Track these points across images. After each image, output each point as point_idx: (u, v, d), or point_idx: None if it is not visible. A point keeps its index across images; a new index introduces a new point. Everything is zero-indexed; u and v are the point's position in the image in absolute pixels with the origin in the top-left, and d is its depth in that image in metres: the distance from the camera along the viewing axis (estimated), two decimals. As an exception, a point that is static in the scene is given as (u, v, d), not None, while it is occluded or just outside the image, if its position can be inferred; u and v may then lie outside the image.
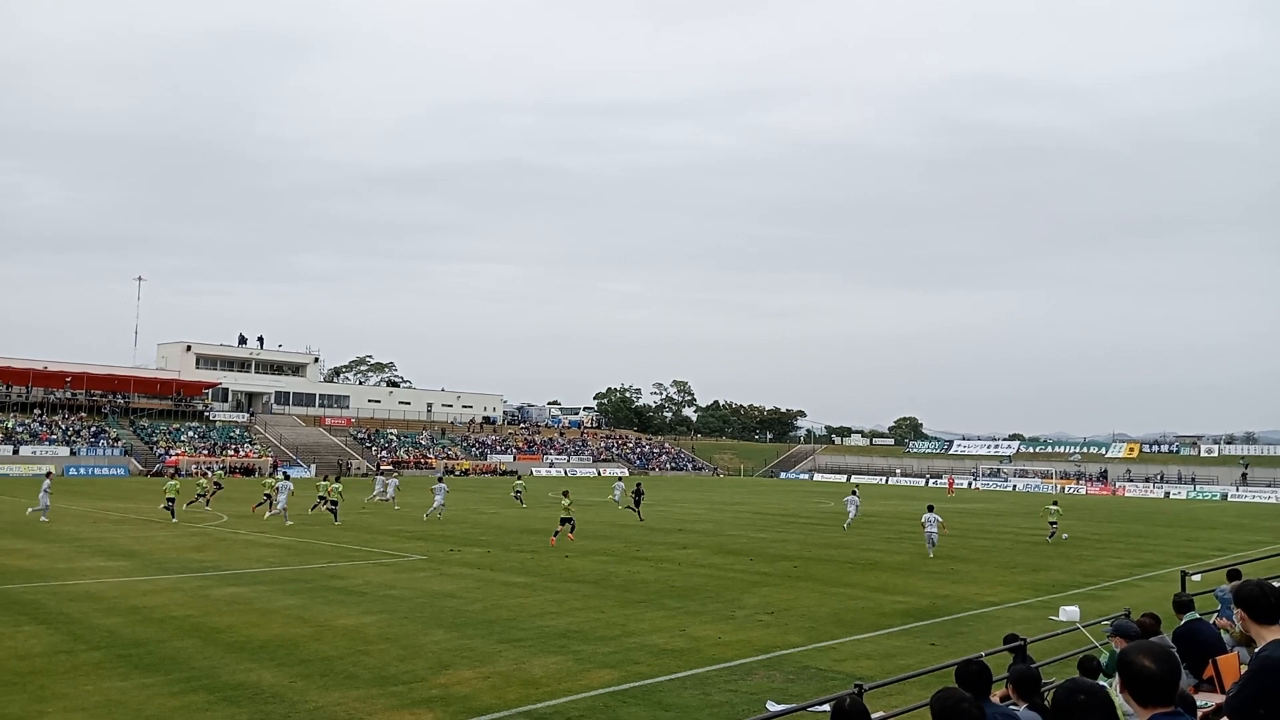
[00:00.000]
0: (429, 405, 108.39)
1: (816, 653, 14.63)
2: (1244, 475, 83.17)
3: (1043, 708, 5.99)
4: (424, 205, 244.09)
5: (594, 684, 12.31)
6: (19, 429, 72.07)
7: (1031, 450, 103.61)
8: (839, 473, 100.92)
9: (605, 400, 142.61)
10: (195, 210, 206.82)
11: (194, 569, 22.17)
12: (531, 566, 24.01)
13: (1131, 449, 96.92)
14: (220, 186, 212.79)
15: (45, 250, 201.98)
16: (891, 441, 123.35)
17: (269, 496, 37.42)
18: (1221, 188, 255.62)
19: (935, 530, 28.62)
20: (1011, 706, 6.00)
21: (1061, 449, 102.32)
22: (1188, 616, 9.11)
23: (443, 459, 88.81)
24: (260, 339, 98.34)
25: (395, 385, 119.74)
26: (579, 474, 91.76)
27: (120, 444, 75.13)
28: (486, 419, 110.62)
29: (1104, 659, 8.26)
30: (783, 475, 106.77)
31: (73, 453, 70.71)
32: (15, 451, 68.37)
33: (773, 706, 10.95)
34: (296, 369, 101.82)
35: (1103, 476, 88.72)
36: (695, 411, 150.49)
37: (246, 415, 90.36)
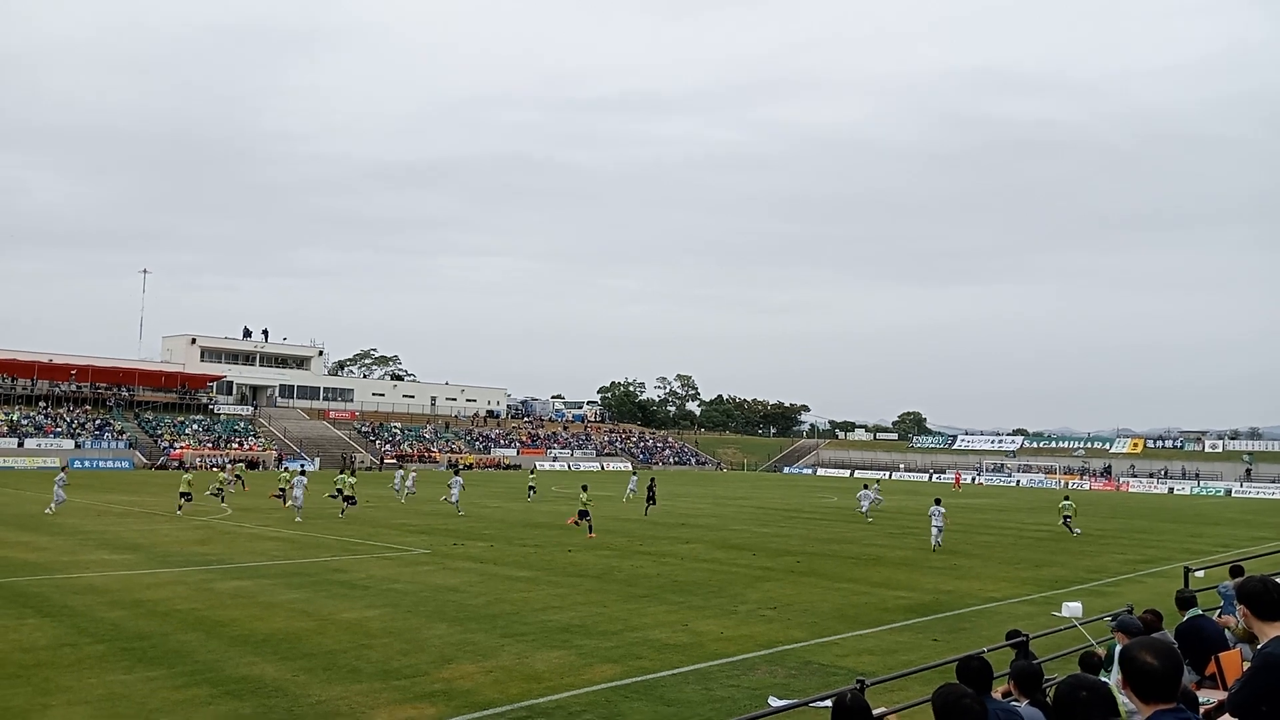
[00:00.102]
0: (433, 399, 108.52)
1: (819, 648, 14.63)
2: (1248, 471, 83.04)
3: (1045, 704, 5.98)
4: (427, 200, 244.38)
5: (596, 678, 12.32)
6: (24, 422, 72.23)
7: (1035, 445, 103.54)
8: (842, 468, 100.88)
9: (609, 394, 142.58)
10: (200, 205, 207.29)
11: (198, 562, 22.23)
12: (535, 561, 24.04)
13: (1136, 444, 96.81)
14: (225, 181, 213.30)
15: (51, 244, 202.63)
16: (895, 436, 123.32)
17: (284, 491, 37.45)
18: (1225, 182, 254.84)
19: (942, 524, 28.78)
20: (1013, 703, 5.99)
21: (1065, 444, 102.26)
22: (1190, 613, 9.10)
23: (446, 453, 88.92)
24: (265, 332, 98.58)
25: (399, 379, 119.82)
26: (583, 468, 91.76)
27: (125, 437, 75.28)
28: (490, 413, 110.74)
29: (1107, 654, 8.26)
30: (786, 470, 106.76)
31: (77, 445, 70.82)
32: (20, 444, 68.54)
33: (775, 702, 10.95)
34: (301, 362, 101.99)
35: (1107, 472, 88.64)
36: (699, 406, 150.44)
37: (251, 408, 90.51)
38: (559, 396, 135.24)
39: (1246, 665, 5.76)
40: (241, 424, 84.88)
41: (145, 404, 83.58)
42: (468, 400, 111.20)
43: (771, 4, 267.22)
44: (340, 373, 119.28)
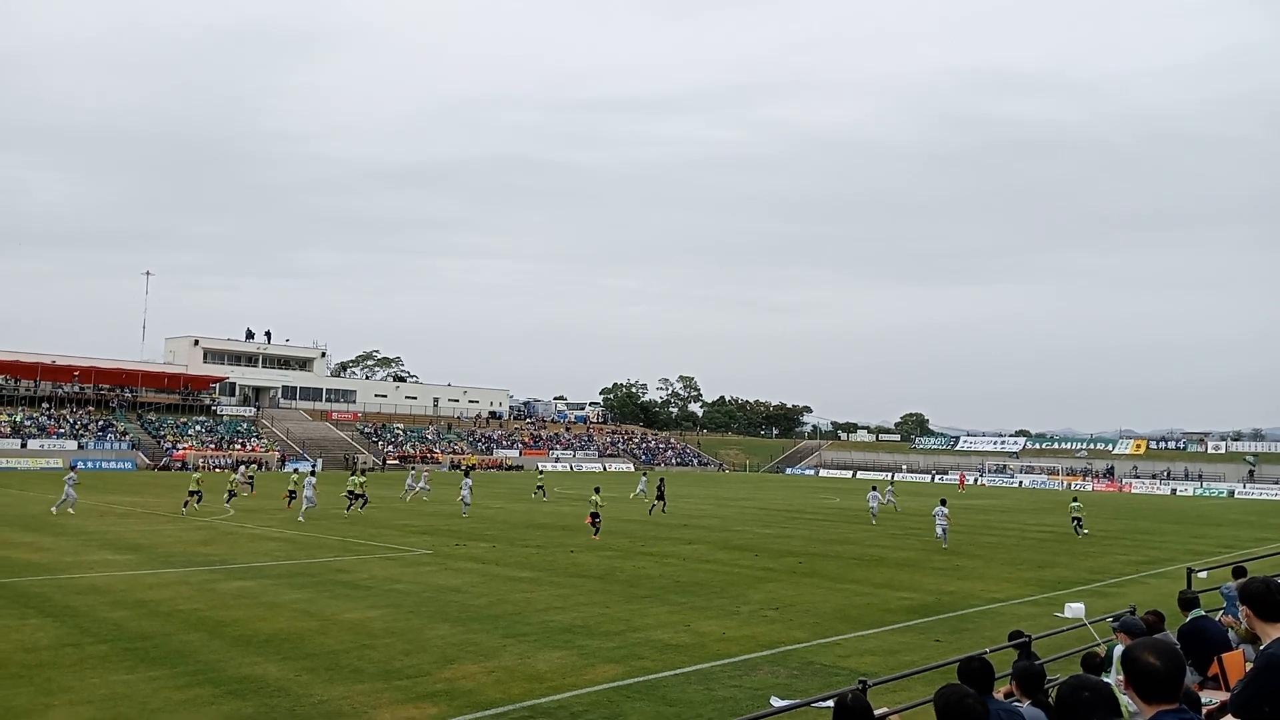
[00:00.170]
0: (435, 400, 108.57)
1: (821, 648, 14.62)
2: (1251, 473, 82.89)
3: (1047, 705, 5.97)
4: (428, 201, 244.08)
5: (598, 679, 12.32)
6: (27, 423, 72.35)
7: (1038, 446, 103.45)
8: (845, 469, 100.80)
9: (611, 396, 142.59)
10: (201, 205, 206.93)
11: (200, 562, 22.25)
12: (537, 561, 24.04)
13: (1138, 445, 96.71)
14: (226, 182, 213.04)
15: (53, 245, 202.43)
16: (898, 437, 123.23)
17: (293, 493, 37.41)
18: (1226, 182, 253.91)
19: (946, 524, 29.11)
20: (1015, 703, 5.99)
21: (1068, 445, 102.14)
22: (1193, 613, 9.09)
23: (449, 454, 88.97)
24: (268, 334, 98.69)
25: (402, 380, 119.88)
26: (585, 469, 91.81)
27: (128, 438, 75.37)
28: (493, 414, 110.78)
29: (1106, 654, 8.26)
30: (788, 471, 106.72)
31: (80, 446, 70.89)
32: (23, 445, 68.64)
33: (776, 702, 10.95)
34: (303, 364, 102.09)
35: (1109, 473, 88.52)
36: (701, 407, 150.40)
37: (253, 410, 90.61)
38: (561, 397, 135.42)
39: (1249, 666, 5.75)
40: (244, 425, 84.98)
41: (148, 405, 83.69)
42: (470, 401, 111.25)
43: (771, 4, 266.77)
44: (342, 374, 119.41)
